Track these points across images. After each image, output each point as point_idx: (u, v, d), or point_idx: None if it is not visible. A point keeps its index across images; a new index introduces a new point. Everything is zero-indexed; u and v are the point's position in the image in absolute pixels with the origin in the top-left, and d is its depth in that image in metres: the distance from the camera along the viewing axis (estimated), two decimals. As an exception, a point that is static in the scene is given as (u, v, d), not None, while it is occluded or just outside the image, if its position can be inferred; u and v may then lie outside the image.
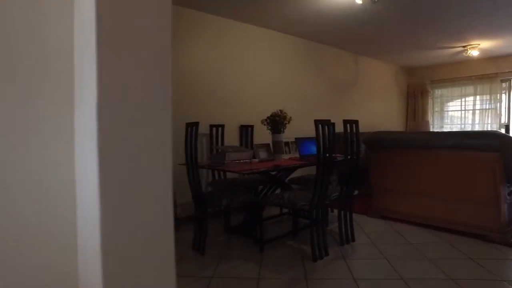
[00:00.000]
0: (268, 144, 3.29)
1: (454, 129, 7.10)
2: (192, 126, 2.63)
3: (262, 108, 4.26)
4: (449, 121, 7.30)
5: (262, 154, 3.16)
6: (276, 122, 3.22)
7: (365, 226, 3.45)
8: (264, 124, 3.27)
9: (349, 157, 2.89)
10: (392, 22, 4.43)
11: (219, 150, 2.95)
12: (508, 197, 2.96)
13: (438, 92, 7.40)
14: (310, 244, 2.57)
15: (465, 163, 2.95)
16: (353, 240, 3.00)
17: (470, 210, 3.05)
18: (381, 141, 3.44)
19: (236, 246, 2.93)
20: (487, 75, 6.49)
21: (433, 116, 7.43)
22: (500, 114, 6.53)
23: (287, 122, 3.25)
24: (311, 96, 5.24)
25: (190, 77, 3.82)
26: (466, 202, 3.06)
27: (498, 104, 6.51)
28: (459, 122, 7.09)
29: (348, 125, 3.09)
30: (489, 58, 6.42)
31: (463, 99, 7.02)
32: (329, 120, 2.81)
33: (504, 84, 6.48)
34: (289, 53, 4.92)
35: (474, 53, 5.52)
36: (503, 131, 6.47)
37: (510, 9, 3.95)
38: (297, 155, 3.36)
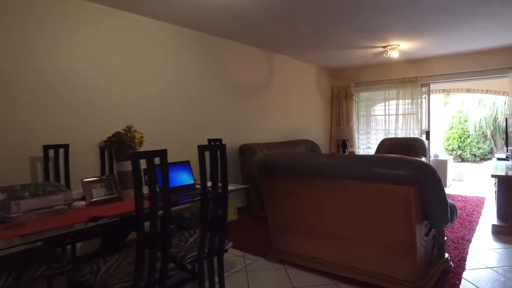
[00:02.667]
0: (111, 177, 2.28)
1: (379, 135, 6.70)
2: None
3: (139, 118, 3.24)
4: (376, 125, 6.89)
5: (97, 193, 2.14)
6: (121, 144, 2.22)
7: (255, 277, 2.61)
8: (105, 148, 2.26)
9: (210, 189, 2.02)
10: (305, 17, 3.69)
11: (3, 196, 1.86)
12: (425, 238, 2.30)
13: (363, 95, 6.96)
14: None
15: (374, 197, 2.23)
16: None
17: (380, 256, 2.34)
18: (273, 166, 2.62)
19: None
20: (409, 78, 6.14)
21: (358, 120, 6.97)
22: (421, 120, 6.23)
23: (136, 145, 2.27)
24: (208, 102, 4.31)
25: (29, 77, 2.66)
26: (375, 246, 2.36)
27: (419, 109, 6.20)
28: (383, 128, 6.71)
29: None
30: (410, 61, 6.07)
31: (387, 103, 6.64)
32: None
33: (424, 89, 6.18)
34: (179, 49, 3.94)
35: (394, 54, 5.05)
36: (424, 137, 6.18)
37: (422, 8, 3.43)
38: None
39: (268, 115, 5.36)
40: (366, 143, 6.95)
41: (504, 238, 3.38)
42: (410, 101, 6.23)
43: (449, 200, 2.46)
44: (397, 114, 6.47)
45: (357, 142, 6.94)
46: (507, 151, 4.64)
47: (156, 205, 1.61)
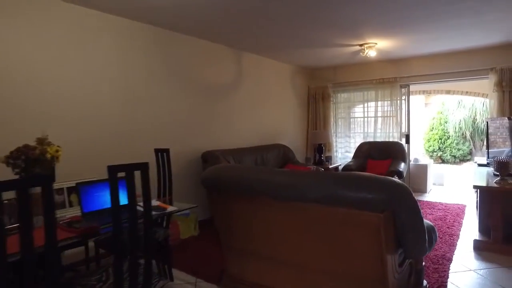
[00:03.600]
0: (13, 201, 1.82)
1: (358, 138, 6.40)
2: None
3: (68, 127, 2.80)
4: (354, 128, 6.57)
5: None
6: (28, 161, 1.78)
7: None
8: (7, 165, 1.80)
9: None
10: (272, 12, 3.32)
11: None
12: (398, 269, 1.94)
13: (341, 96, 6.64)
14: None
15: (339, 224, 1.86)
16: None
17: (348, 291, 1.98)
18: (219, 182, 2.22)
19: None
20: (387, 79, 5.86)
21: (336, 123, 6.66)
22: (401, 122, 5.96)
23: (50, 160, 1.83)
24: (165, 106, 3.88)
25: None
26: (341, 278, 1.99)
27: (399, 111, 5.93)
28: (362, 131, 6.41)
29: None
30: (388, 61, 5.79)
31: (365, 105, 6.34)
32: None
33: (403, 90, 5.91)
34: (130, 46, 3.49)
35: (371, 53, 4.73)
36: (403, 141, 5.91)
37: (396, 3, 3.12)
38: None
39: (238, 118, 4.96)
40: (344, 147, 6.64)
41: (486, 255, 3.08)
42: (389, 102, 5.95)
43: (427, 222, 2.12)
44: (376, 117, 6.19)
45: (335, 146, 6.63)
46: (487, 157, 4.39)
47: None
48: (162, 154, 2.75)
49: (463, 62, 5.23)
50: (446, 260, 2.96)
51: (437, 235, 2.19)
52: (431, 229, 2.08)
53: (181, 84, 4.05)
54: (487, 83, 5.11)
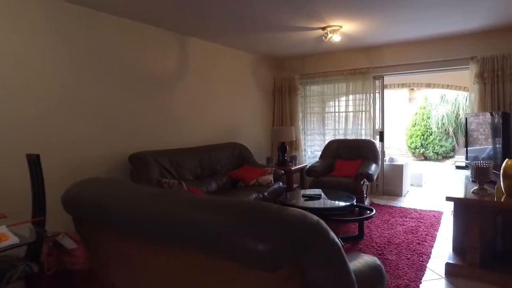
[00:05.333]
0: None
1: (328, 136, 5.78)
2: None
3: None
4: (325, 124, 5.92)
5: None
6: None
7: None
8: None
9: None
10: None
11: None
12: None
13: (309, 89, 6.00)
14: None
15: (220, 282, 1.19)
16: None
17: None
18: (79, 206, 1.53)
19: None
20: (359, 70, 5.23)
21: (305, 119, 6.02)
22: (374, 118, 5.35)
23: None
24: (84, 100, 3.16)
25: None
26: None
27: (372, 106, 5.31)
28: (332, 127, 5.78)
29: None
30: (360, 49, 5.17)
31: (336, 99, 5.71)
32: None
33: (377, 82, 5.30)
34: (30, 25, 2.75)
35: (336, 38, 4.08)
36: (377, 139, 5.31)
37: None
38: None
39: (185, 114, 4.26)
40: (314, 145, 6.01)
41: (460, 284, 2.48)
42: (361, 96, 5.33)
43: (370, 262, 1.49)
44: (347, 112, 5.57)
45: (303, 145, 5.99)
46: (466, 158, 3.80)
47: None
48: (32, 161, 2.05)
49: (440, 50, 4.64)
50: (409, 293, 2.35)
51: (385, 280, 1.55)
52: (372, 277, 1.44)
53: (109, 74, 3.33)
54: (468, 75, 4.52)
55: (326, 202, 3.41)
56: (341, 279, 1.13)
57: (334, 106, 5.72)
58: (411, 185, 6.25)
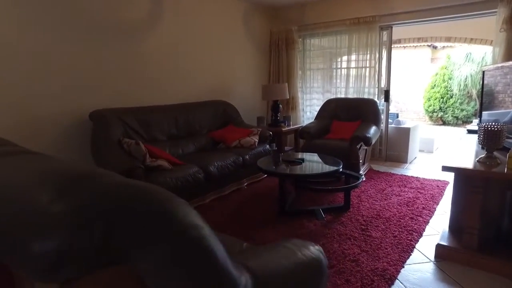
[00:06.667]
0: None
1: (327, 95, 5.20)
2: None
3: None
4: (325, 82, 5.31)
5: None
6: None
7: None
8: None
9: None
10: None
11: None
12: None
13: (308, 42, 5.35)
14: None
15: None
16: None
17: None
18: None
19: None
20: (364, 19, 4.53)
21: (304, 75, 5.43)
22: (380, 74, 4.72)
23: None
24: (30, 54, 2.72)
25: None
26: None
27: (378, 61, 4.66)
28: (333, 85, 5.19)
29: None
30: (366, -7, 4.44)
31: (338, 52, 5.06)
32: None
33: (384, 33, 4.60)
34: None
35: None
36: (382, 99, 4.72)
37: None
38: None
39: (161, 70, 3.79)
40: (313, 105, 5.48)
41: (451, 270, 2.06)
42: (366, 50, 4.67)
43: (307, 255, 1.08)
44: (348, 68, 4.94)
45: (301, 104, 5.46)
46: (480, 119, 3.21)
47: None
48: None
49: (462, -9, 3.87)
50: (384, 280, 1.94)
51: (325, 277, 1.13)
52: (302, 277, 1.02)
53: (66, 23, 2.86)
54: (495, 21, 3.78)
55: (305, 168, 2.97)
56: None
57: (336, 61, 5.09)
58: (420, 151, 5.69)
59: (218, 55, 4.51)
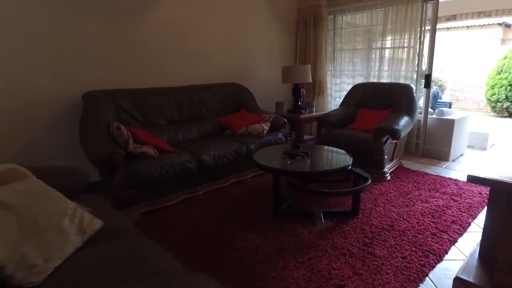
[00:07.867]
0: None
1: (358, 79, 4.59)
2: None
3: None
4: (356, 64, 4.70)
5: None
6: None
7: None
8: None
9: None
10: None
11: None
12: None
13: (339, 20, 4.74)
14: None
15: None
16: None
17: None
18: None
19: None
20: (404, -13, 3.83)
21: (334, 56, 4.85)
22: (422, 56, 4.01)
23: None
24: (22, 33, 2.56)
25: None
26: None
27: (419, 40, 3.95)
28: (366, 67, 4.56)
29: None
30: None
31: (372, 31, 4.40)
32: None
33: (429, 6, 3.85)
34: None
35: None
36: (422, 85, 4.03)
37: None
38: None
39: (168, 49, 3.51)
40: (341, 90, 4.90)
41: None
42: (404, 26, 3.97)
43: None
44: (382, 48, 4.28)
45: (329, 88, 4.91)
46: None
47: None
48: None
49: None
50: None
51: None
52: None
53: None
54: None
55: (307, 163, 2.52)
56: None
57: (370, 41, 4.44)
58: (470, 147, 4.87)
59: (235, 33, 4.12)
